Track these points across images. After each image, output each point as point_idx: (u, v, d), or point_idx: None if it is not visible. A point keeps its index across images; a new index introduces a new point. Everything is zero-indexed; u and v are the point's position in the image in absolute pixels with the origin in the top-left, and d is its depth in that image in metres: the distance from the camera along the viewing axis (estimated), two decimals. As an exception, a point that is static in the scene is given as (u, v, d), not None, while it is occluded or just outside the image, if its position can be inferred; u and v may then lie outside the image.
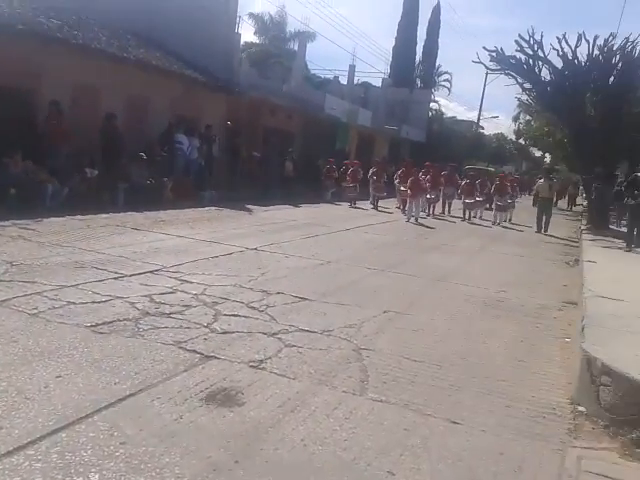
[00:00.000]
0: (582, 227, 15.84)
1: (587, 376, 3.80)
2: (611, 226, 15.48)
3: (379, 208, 18.60)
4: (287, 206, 15.66)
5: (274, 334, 4.76)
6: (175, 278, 6.40)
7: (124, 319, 4.80)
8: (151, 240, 8.67)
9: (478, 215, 18.56)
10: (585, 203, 21.30)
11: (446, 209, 19.38)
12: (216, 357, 4.15)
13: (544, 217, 15.66)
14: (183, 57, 17.27)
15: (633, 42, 14.94)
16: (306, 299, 6.01)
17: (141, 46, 16.29)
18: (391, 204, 19.41)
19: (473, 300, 6.81)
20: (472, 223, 17.23)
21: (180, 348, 4.27)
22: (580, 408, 3.76)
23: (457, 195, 19.20)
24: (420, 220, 15.91)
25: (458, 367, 4.42)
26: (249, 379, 3.81)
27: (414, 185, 16.04)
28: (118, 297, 5.41)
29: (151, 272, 6.60)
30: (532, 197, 28.59)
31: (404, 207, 17.71)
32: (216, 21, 18.18)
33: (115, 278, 6.14)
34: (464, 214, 18.02)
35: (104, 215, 10.51)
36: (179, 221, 11.05)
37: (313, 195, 19.26)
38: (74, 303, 5.07)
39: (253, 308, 5.49)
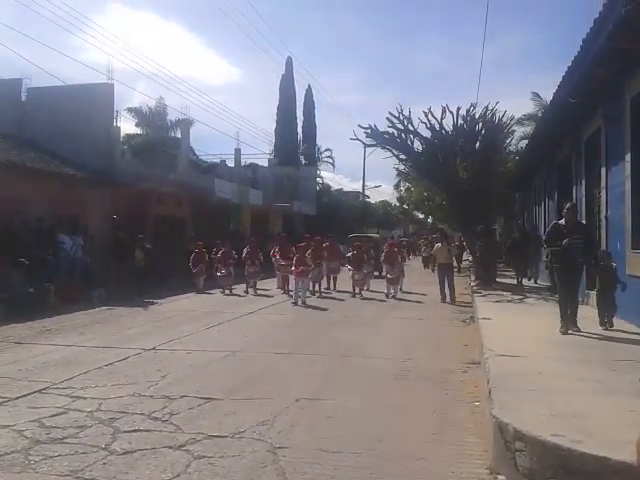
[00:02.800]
0: (472, 283, 16.59)
1: (501, 443, 3.83)
2: (498, 279, 16.35)
3: (258, 292, 16.48)
4: (184, 296, 15.13)
5: (181, 446, 4.43)
6: (66, 395, 5.88)
7: (12, 451, 4.32)
8: (37, 354, 8.00)
9: (366, 287, 16.67)
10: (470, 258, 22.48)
11: (332, 284, 17.37)
12: (118, 484, 3.77)
13: (446, 284, 14.50)
14: (61, 155, 16.78)
15: (492, 110, 16.47)
16: (213, 399, 5.71)
17: (13, 148, 15.65)
18: (270, 285, 17.39)
19: (382, 374, 6.81)
20: (364, 298, 15.52)
21: (77, 478, 3.86)
22: (500, 477, 3.76)
23: (343, 267, 17.41)
24: (308, 301, 14.15)
25: (376, 451, 4.32)
26: (157, 505, 3.48)
27: (300, 262, 14.48)
28: (4, 426, 4.88)
29: (39, 392, 6.03)
30: (422, 258, 29.73)
31: (286, 287, 16.24)
32: (94, 117, 18.03)
33: (-1, 404, 5.55)
34: (354, 289, 16.02)
35: (-18, 332, 9.65)
36: (67, 328, 10.32)
37: (177, 285, 16.77)
38: (-47, 441, 4.50)
39: (155, 419, 5.11)
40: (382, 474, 3.91)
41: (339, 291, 16.87)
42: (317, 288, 16.34)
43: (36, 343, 8.85)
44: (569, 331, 7.67)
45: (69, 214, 15.71)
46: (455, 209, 18.47)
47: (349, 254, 17.13)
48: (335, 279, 17.46)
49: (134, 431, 4.79)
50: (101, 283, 14.58)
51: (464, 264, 25.88)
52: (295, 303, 13.86)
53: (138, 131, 32.95)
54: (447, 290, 14.51)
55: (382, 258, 16.92)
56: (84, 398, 5.77)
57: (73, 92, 18.64)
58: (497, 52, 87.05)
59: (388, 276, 15.99)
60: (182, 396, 5.79)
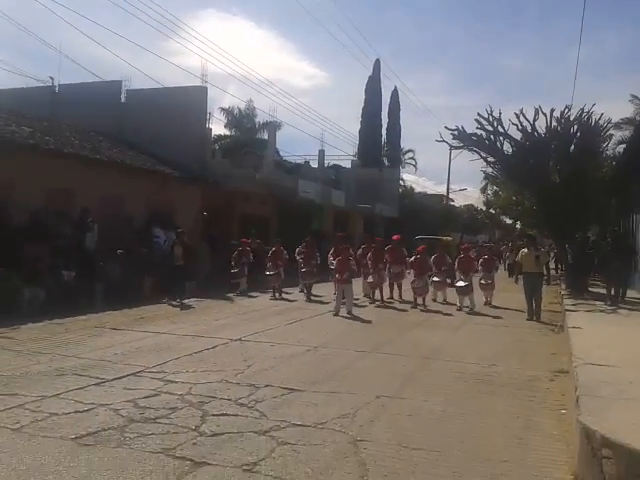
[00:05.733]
0: (562, 292, 15.91)
1: (588, 450, 3.72)
2: (590, 289, 15.58)
3: (311, 297, 14.64)
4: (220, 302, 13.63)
5: (266, 432, 4.61)
6: (159, 379, 6.24)
7: (109, 428, 4.64)
8: (131, 340, 8.51)
9: (440, 298, 14.81)
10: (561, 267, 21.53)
11: (395, 293, 15.25)
12: (207, 463, 3.98)
13: (533, 298, 12.18)
14: (157, 154, 17.68)
15: (588, 112, 15.62)
16: (296, 390, 5.87)
17: (113, 147, 16.66)
18: (325, 291, 15.11)
19: (465, 377, 6.72)
20: (425, 310, 13.26)
21: (169, 456, 4.10)
22: (586, 485, 3.66)
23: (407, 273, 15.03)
24: (356, 310, 12.35)
25: (458, 451, 4.30)
26: (244, 485, 3.64)
27: (341, 266, 12.59)
28: (101, 405, 5.24)
29: (133, 374, 6.43)
30: (506, 266, 28.40)
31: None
32: (188, 118, 18.83)
33: (97, 384, 5.98)
34: (415, 299, 13.79)
35: (82, 317, 10.37)
36: (159, 317, 10.90)
37: (216, 287, 15.03)
38: (57, 414, 4.91)
39: (242, 405, 5.34)
40: (464, 473, 3.90)
41: (404, 300, 14.63)
42: (377, 296, 14.43)
43: (130, 330, 9.40)
44: None
45: (163, 210, 16.52)
46: (546, 214, 17.71)
47: (412, 258, 14.74)
48: (400, 286, 15.24)
49: (222, 415, 5.03)
50: (190, 276, 15.20)
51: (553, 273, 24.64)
52: (335, 314, 11.94)
53: (227, 132, 34.12)
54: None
55: (455, 265, 14.91)
56: (175, 382, 6.10)
57: (169, 94, 19.58)
58: (594, 51, 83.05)
59: (459, 284, 13.81)
60: (266, 385, 6.01)
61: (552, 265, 21.83)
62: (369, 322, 11.29)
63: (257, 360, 7.26)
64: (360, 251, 16.00)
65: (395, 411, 5.31)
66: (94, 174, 13.96)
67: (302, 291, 15.41)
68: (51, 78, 20.96)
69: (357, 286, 14.37)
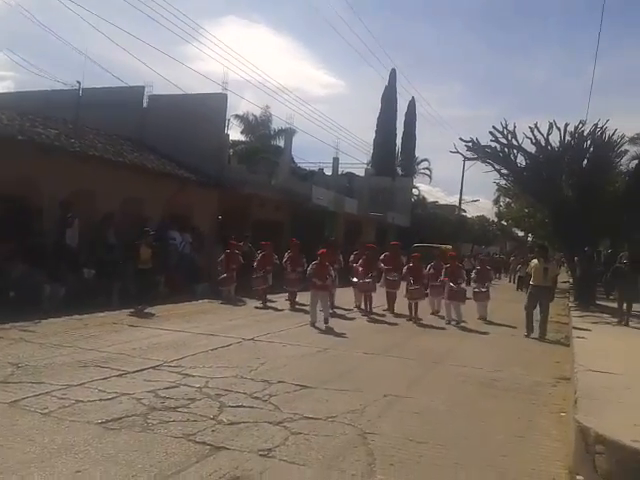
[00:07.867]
0: (570, 304, 16.08)
1: (582, 446, 3.99)
2: (598, 302, 15.73)
3: (296, 306, 13.36)
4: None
5: (279, 423, 4.90)
6: (177, 372, 6.55)
7: (132, 415, 4.94)
8: (149, 336, 8.83)
9: (436, 306, 13.78)
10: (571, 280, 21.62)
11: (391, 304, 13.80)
12: (226, 447, 4.27)
13: (539, 313, 11.27)
14: (176, 158, 18.08)
15: (602, 128, 15.84)
16: (307, 387, 6.16)
17: (135, 151, 17.05)
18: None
19: (470, 381, 6.97)
20: (419, 324, 12.17)
21: (190, 440, 4.39)
22: (578, 477, 3.92)
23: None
24: (344, 323, 11.57)
25: (461, 446, 4.56)
26: (260, 467, 3.93)
27: (319, 271, 11.26)
28: (124, 394, 5.55)
29: (152, 368, 6.74)
30: (511, 277, 28.06)
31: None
32: (207, 124, 19.16)
33: (118, 375, 6.29)
34: (410, 311, 12.75)
35: (100, 314, 10.69)
36: (175, 315, 11.22)
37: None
38: (82, 401, 5.22)
39: (256, 398, 5.63)
40: (465, 464, 4.17)
41: (397, 314, 13.29)
42: (367, 306, 13.24)
43: (147, 327, 9.72)
44: None
45: (181, 213, 16.89)
46: (558, 228, 17.90)
47: (405, 267, 13.66)
48: (394, 298, 13.79)
49: (238, 406, 5.33)
50: (205, 278, 15.56)
51: (564, 285, 24.58)
52: (313, 324, 10.85)
53: (243, 138, 34.51)
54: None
55: (442, 276, 13.26)
56: (192, 376, 6.41)
57: (190, 100, 19.94)
58: (613, 66, 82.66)
59: (450, 293, 12.71)
60: (279, 381, 6.30)
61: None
62: (373, 328, 11.37)
63: (270, 359, 7.56)
64: (352, 257, 15.10)
65: (402, 409, 5.58)
66: (116, 177, 14.32)
67: (289, 300, 13.66)
68: (78, 82, 21.30)
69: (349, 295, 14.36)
